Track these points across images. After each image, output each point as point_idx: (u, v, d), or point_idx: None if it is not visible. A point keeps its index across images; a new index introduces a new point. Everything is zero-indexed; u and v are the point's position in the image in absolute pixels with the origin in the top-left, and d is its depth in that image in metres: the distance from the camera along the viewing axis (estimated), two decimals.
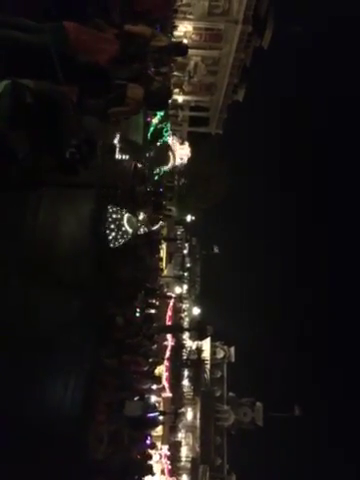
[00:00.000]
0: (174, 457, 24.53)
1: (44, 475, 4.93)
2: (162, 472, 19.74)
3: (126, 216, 8.76)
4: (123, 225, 8.64)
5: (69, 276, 6.37)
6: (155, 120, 12.64)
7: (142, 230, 10.85)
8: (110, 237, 8.43)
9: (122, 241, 8.69)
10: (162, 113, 12.74)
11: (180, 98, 31.22)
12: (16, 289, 4.26)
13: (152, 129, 12.51)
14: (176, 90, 29.35)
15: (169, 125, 14.59)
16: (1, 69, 2.67)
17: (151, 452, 14.12)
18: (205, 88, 33.10)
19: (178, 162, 17.13)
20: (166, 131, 13.88)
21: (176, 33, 25.33)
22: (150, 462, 13.98)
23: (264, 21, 28.24)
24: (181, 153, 17.11)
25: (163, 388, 19.75)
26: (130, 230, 8.82)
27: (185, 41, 25.09)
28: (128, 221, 8.79)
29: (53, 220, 5.55)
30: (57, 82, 2.74)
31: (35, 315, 4.77)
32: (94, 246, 7.92)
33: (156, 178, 15.42)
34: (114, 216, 8.53)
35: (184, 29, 27.42)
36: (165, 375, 20.65)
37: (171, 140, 15.71)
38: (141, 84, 3.13)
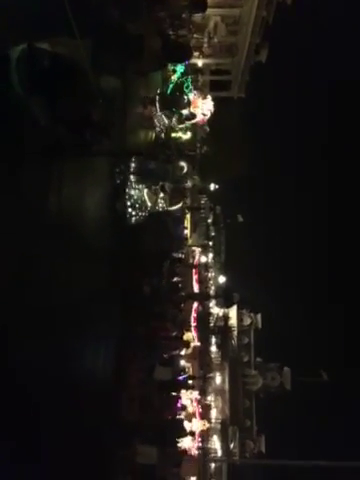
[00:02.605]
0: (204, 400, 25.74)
1: (81, 439, 5.15)
2: (193, 415, 20.89)
3: (146, 190, 8.70)
4: (143, 196, 8.59)
5: (95, 246, 6.44)
6: (174, 77, 12.07)
7: (161, 208, 10.75)
8: (130, 203, 8.42)
9: (140, 212, 8.66)
10: (182, 69, 12.17)
11: (200, 62, 30.16)
12: (44, 260, 4.32)
13: (172, 86, 11.98)
14: (196, 53, 28.33)
15: (190, 80, 13.86)
16: (17, 29, 2.60)
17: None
18: (226, 50, 31.85)
19: (201, 117, 16.40)
20: (187, 87, 13.23)
21: None
22: (183, 423, 14.52)
23: None
24: (204, 108, 16.32)
25: (192, 339, 20.30)
26: (149, 203, 8.78)
27: None
28: (148, 195, 8.73)
29: (76, 190, 5.57)
30: (72, 36, 2.66)
31: (64, 285, 4.86)
32: (117, 216, 7.95)
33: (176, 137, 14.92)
34: (135, 186, 8.47)
35: None
36: (193, 325, 21.24)
37: (193, 95, 15.00)
38: (158, 35, 2.99)
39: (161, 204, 10.22)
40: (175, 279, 15.73)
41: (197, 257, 25.73)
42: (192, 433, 19.21)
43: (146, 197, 8.70)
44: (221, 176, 33.51)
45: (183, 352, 15.84)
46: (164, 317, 11.89)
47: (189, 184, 18.56)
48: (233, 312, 35.06)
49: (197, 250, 25.93)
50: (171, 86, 11.99)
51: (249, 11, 28.39)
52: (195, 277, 23.82)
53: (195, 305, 22.33)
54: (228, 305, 35.12)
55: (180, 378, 12.42)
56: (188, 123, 15.18)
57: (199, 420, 21.80)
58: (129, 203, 8.28)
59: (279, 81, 39.24)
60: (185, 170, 14.20)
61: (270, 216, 44.72)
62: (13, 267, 3.59)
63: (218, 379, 30.97)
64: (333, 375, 35.47)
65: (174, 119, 13.25)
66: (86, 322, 5.65)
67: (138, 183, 8.52)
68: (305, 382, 35.61)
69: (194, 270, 24.03)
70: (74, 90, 3.08)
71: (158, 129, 11.79)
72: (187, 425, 18.09)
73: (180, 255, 17.83)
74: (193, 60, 26.14)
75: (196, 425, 21.05)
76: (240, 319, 35.28)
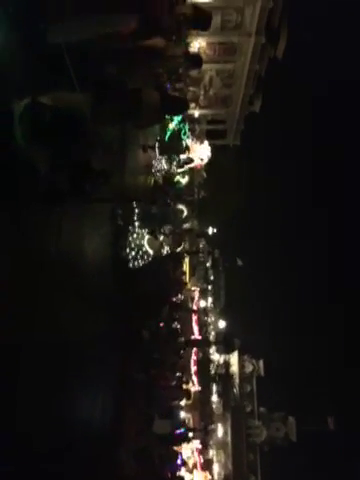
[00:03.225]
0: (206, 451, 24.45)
1: None
2: (194, 466, 19.72)
3: (146, 237, 8.74)
4: (143, 246, 8.61)
5: (95, 291, 6.40)
6: (172, 125, 12.41)
7: (165, 251, 10.79)
8: (131, 256, 8.41)
9: (143, 262, 8.65)
10: (179, 117, 12.53)
11: (197, 112, 31.50)
12: (43, 307, 4.29)
13: (169, 133, 12.30)
14: (192, 105, 29.63)
15: (187, 127, 14.22)
16: (20, 85, 2.73)
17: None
18: (221, 101, 33.33)
19: (198, 162, 16.69)
20: (184, 133, 13.56)
21: (190, 49, 25.68)
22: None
23: (277, 31, 28.34)
24: (201, 153, 16.63)
25: (192, 383, 19.68)
26: (151, 251, 8.80)
27: None
28: (148, 243, 8.76)
29: (75, 236, 5.62)
30: (72, 89, 2.79)
31: (62, 332, 4.78)
32: (117, 262, 7.96)
33: (176, 187, 15.18)
34: (135, 236, 8.51)
35: (198, 45, 27.80)
36: (193, 369, 20.67)
37: (190, 141, 15.28)
38: (156, 89, 3.14)
39: (165, 248, 10.25)
40: (174, 325, 15.47)
41: (196, 299, 25.38)
42: None
43: (147, 246, 8.72)
44: (219, 220, 33.96)
45: (183, 402, 15.27)
46: (163, 364, 11.57)
47: (188, 225, 18.69)
48: (234, 358, 34.18)
49: (197, 291, 25.63)
50: (169, 133, 12.36)
51: (242, 66, 30.02)
52: (195, 320, 23.46)
53: (194, 351, 21.86)
54: (229, 351, 34.29)
55: (180, 432, 11.89)
56: (186, 167, 15.53)
57: (200, 472, 20.63)
58: (131, 254, 8.29)
59: (272, 129, 40.83)
60: (185, 213, 14.34)
61: (269, 259, 44.82)
62: (11, 312, 3.56)
63: (220, 431, 29.59)
64: (340, 422, 34.05)
65: (174, 164, 13.60)
66: (84, 369, 5.50)
67: (140, 228, 8.60)
68: (311, 431, 34.09)
69: (193, 314, 23.69)
70: (74, 141, 3.20)
71: (157, 175, 12.07)
72: (188, 477, 17.09)
73: (180, 298, 17.66)
74: (190, 111, 27.29)
75: (197, 477, 19.88)
76: (242, 366, 34.33)
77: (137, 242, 8.45)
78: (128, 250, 8.18)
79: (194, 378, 20.79)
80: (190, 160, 15.57)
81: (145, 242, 8.64)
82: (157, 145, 11.50)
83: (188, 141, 14.76)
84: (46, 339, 4.32)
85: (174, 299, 15.70)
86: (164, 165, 12.14)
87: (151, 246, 8.79)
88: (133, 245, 8.35)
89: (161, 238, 10.30)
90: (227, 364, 33.06)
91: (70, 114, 3.15)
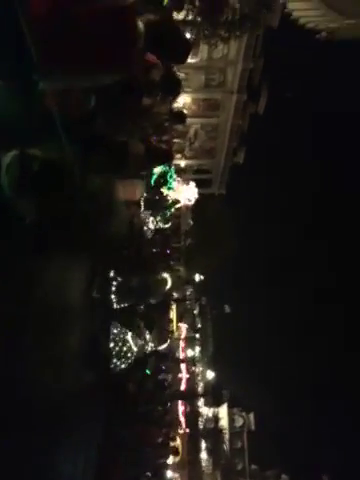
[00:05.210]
0: None
1: None
2: None
3: (130, 334, 8.55)
4: (129, 346, 8.43)
5: (77, 344, 6.23)
6: (157, 169, 12.39)
7: (149, 348, 10.63)
8: (116, 360, 8.21)
9: (130, 360, 8.46)
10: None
11: (183, 162, 32.54)
12: (28, 360, 4.16)
13: (155, 176, 12.27)
14: (178, 156, 30.65)
15: (173, 170, 14.18)
16: (9, 138, 2.81)
17: None
18: (206, 152, 34.59)
19: (186, 203, 16.76)
20: (170, 176, 13.48)
21: (175, 105, 26.93)
22: None
23: (258, 89, 30.14)
24: (187, 194, 16.75)
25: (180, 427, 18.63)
26: (135, 349, 8.63)
27: (184, 111, 26.60)
28: (132, 339, 8.59)
29: (59, 287, 5.55)
30: (60, 143, 2.87)
31: (45, 387, 4.60)
32: (99, 311, 7.81)
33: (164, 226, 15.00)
34: (118, 334, 8.34)
35: (183, 101, 29.25)
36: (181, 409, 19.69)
37: (176, 184, 15.17)
38: (141, 142, 3.26)
39: (149, 345, 10.01)
40: (161, 376, 14.99)
41: (182, 347, 24.54)
42: None
43: (131, 342, 8.52)
44: (206, 266, 34.03)
45: (170, 460, 14.45)
46: (149, 419, 11.06)
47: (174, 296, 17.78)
48: (223, 411, 32.89)
49: (183, 327, 24.86)
50: (154, 177, 12.39)
51: (226, 120, 31.52)
52: (184, 372, 22.75)
53: (181, 409, 20.98)
54: (218, 404, 33.07)
55: None
56: (172, 210, 15.48)
57: None
58: (114, 352, 8.10)
59: (256, 179, 42.26)
60: (169, 284, 13.53)
61: (257, 307, 44.55)
62: None
63: None
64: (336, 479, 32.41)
65: (159, 219, 13.58)
66: (65, 427, 5.23)
67: (119, 321, 8.35)
68: None
69: (182, 365, 23.02)
70: (60, 190, 3.25)
71: (145, 228, 12.05)
72: None
73: (168, 346, 17.20)
74: (176, 161, 28.17)
75: None
76: (231, 420, 32.98)
77: (121, 336, 8.28)
78: (112, 344, 8.05)
79: (182, 419, 19.80)
80: (177, 201, 15.57)
81: (129, 337, 8.46)
82: (143, 198, 11.45)
83: (174, 184, 14.80)
84: (28, 390, 4.14)
85: (160, 349, 15.31)
86: (151, 225, 12.02)
87: (134, 341, 8.64)
88: (117, 338, 8.20)
89: (147, 336, 10.11)
90: (216, 418, 31.73)
91: (57, 164, 3.22)
